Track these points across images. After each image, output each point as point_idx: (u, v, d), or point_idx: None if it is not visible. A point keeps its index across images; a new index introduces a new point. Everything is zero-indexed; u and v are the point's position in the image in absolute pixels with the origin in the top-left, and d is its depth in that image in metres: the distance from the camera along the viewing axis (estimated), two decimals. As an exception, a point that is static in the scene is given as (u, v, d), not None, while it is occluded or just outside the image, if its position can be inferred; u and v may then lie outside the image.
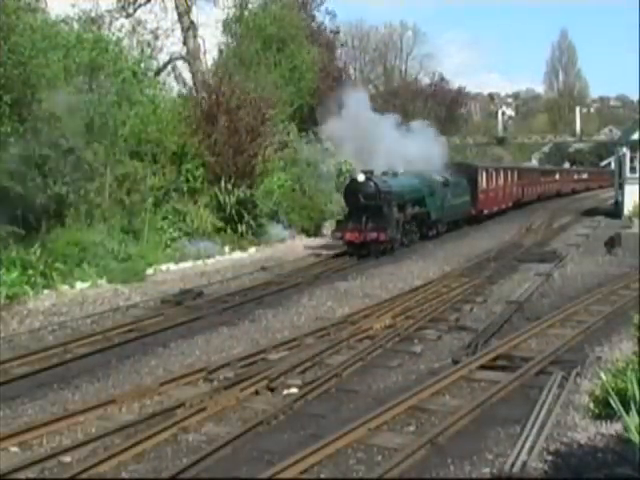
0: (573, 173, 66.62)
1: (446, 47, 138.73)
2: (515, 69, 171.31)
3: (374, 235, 21.23)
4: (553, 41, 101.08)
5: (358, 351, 11.00)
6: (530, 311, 14.07)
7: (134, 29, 28.30)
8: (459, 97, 56.68)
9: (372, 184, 22.01)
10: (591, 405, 8.37)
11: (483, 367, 10.29)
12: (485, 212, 34.13)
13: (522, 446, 7.25)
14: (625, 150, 35.58)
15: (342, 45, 49.34)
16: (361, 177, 22.14)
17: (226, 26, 33.46)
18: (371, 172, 22.60)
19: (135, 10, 31.62)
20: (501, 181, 38.00)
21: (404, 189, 24.14)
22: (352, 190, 22.33)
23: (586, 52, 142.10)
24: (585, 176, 69.06)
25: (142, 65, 24.49)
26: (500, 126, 50.74)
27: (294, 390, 9.38)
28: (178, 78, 31.76)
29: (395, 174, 25.11)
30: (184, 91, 30.23)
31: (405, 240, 23.63)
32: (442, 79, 56.78)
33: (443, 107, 54.64)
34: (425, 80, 59.01)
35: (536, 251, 22.86)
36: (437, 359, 10.99)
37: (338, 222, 23.34)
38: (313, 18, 41.48)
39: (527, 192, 44.95)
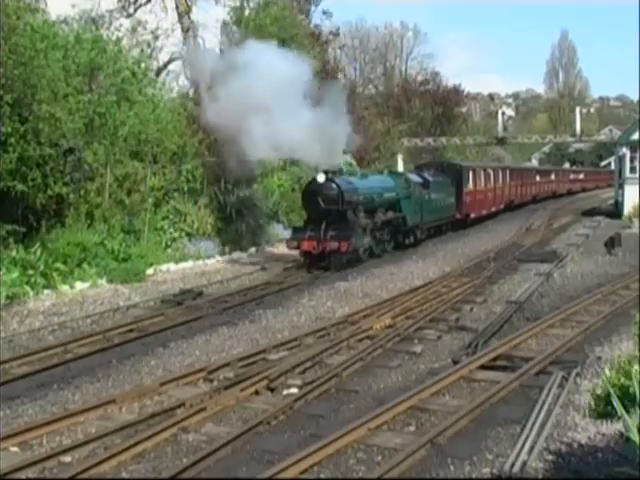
0: (569, 173, 65.35)
1: (447, 47, 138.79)
2: (515, 69, 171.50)
3: (335, 245, 18.67)
4: (553, 41, 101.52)
5: (358, 351, 11.00)
6: (530, 311, 14.08)
7: (134, 29, 28.28)
8: (455, 96, 56.55)
9: (334, 186, 19.36)
10: (592, 404, 8.37)
11: (483, 367, 10.29)
12: (472, 216, 31.95)
13: (522, 446, 7.25)
14: (625, 150, 35.61)
15: (340, 48, 49.25)
16: (321, 177, 19.32)
17: (225, 28, 33.49)
18: (334, 172, 20.01)
19: (135, 10, 31.60)
20: (490, 182, 35.74)
21: (374, 191, 21.62)
22: (311, 193, 19.61)
23: (586, 52, 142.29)
24: (581, 176, 67.98)
25: (142, 65, 24.49)
26: (500, 126, 50.42)
27: (294, 390, 9.38)
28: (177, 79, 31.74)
29: (365, 174, 23.08)
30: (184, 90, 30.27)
31: (375, 250, 21.13)
32: (436, 74, 56.67)
33: (440, 106, 54.55)
34: (420, 79, 58.90)
35: (536, 251, 22.89)
36: (437, 359, 11.00)
37: (295, 229, 20.52)
38: (308, 17, 41.40)
39: (520, 193, 43.07)
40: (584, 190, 64.59)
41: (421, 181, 25.45)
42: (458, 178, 30.17)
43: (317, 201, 19.26)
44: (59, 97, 17.99)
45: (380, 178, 23.80)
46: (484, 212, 34.10)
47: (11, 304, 14.49)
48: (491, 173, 36.26)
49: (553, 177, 56.21)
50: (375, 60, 63.85)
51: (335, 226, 18.98)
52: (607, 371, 8.41)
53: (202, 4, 33.27)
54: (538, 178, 50.06)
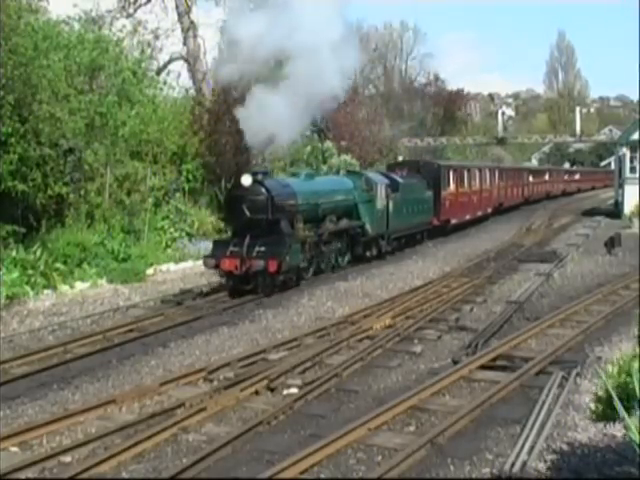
0: (563, 173, 63.41)
1: (447, 47, 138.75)
2: (515, 69, 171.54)
3: (261, 264, 15.12)
4: (552, 41, 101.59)
5: (358, 351, 11.00)
6: (530, 311, 14.09)
7: (135, 29, 28.31)
8: (457, 98, 56.58)
9: (263, 190, 15.78)
10: (592, 405, 8.36)
11: (483, 367, 10.29)
12: (453, 222, 28.59)
13: (522, 446, 7.25)
14: (625, 150, 35.63)
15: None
16: (247, 179, 15.76)
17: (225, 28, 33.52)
18: (265, 172, 16.72)
19: (135, 10, 31.64)
20: (476, 183, 32.61)
21: (320, 195, 18.14)
22: (234, 198, 16.15)
23: (586, 52, 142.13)
24: (577, 176, 66.67)
25: (142, 65, 24.52)
26: (500, 126, 50.45)
27: (294, 390, 9.38)
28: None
29: (311, 175, 19.64)
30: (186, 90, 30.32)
31: (324, 267, 18.02)
32: (437, 79, 56.74)
33: (441, 108, 54.57)
34: (422, 80, 59.00)
35: (536, 251, 22.89)
36: (437, 359, 11.00)
37: (216, 243, 16.89)
38: None
39: (510, 195, 40.46)
40: (580, 191, 63.50)
41: (388, 182, 21.82)
42: (436, 179, 26.83)
43: (241, 209, 15.75)
44: (60, 97, 18.02)
45: (332, 179, 20.82)
46: (468, 217, 30.89)
47: (11, 304, 14.48)
48: (477, 173, 33.25)
49: (547, 177, 54.50)
50: (375, 60, 63.87)
51: (263, 240, 15.51)
52: (607, 372, 8.40)
53: (202, 4, 33.32)
54: (531, 179, 47.96)
